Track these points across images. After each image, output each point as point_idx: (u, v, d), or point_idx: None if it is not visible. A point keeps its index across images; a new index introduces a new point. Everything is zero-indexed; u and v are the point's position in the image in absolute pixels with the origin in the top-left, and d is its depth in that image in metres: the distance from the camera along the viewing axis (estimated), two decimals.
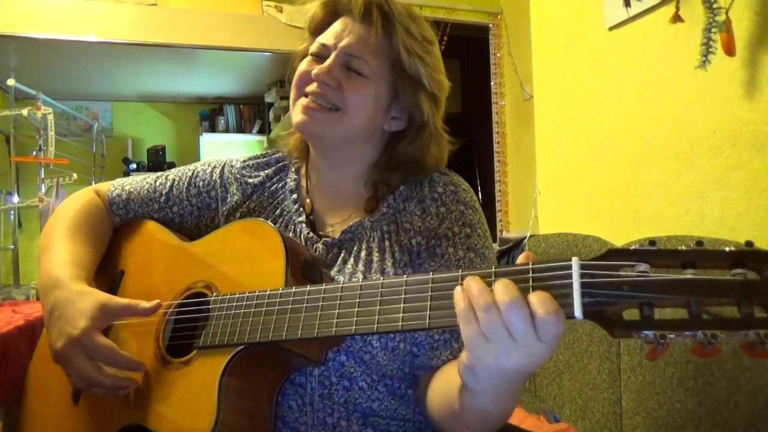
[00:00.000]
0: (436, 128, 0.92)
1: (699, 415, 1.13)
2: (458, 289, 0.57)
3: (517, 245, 1.91)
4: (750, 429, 1.03)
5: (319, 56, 0.88)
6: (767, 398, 1.01)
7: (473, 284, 0.56)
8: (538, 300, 0.53)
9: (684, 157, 1.42)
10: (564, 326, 0.53)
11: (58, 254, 0.87)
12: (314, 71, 0.86)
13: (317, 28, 0.93)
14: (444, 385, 0.74)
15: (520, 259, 0.58)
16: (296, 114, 0.88)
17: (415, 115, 0.90)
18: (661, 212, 1.49)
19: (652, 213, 1.52)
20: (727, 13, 1.22)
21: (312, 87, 0.87)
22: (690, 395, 1.15)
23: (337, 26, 0.89)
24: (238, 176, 0.99)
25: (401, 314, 0.62)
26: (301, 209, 0.93)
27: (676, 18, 1.36)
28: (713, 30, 1.24)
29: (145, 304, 0.79)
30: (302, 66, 0.90)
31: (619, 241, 1.47)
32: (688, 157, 1.41)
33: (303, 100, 0.88)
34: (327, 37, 0.89)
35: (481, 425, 0.69)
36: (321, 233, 0.91)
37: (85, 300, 0.78)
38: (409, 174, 0.91)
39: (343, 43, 0.87)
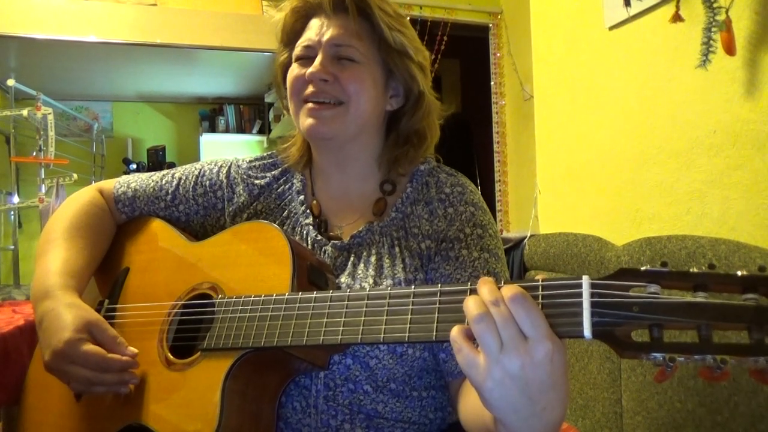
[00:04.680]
0: (431, 96, 0.94)
1: (699, 415, 1.13)
2: (468, 299, 0.55)
3: (518, 245, 1.91)
4: (750, 429, 1.03)
5: (306, 58, 0.88)
6: None
7: (484, 287, 0.55)
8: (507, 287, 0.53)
9: (684, 157, 1.42)
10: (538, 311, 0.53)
11: (52, 261, 0.87)
12: (308, 72, 0.85)
13: (290, 37, 0.93)
14: (478, 402, 0.71)
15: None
16: (303, 121, 0.87)
17: (412, 87, 0.91)
18: (662, 212, 1.49)
19: (652, 212, 1.52)
20: (727, 12, 1.22)
21: (310, 89, 0.86)
22: (690, 395, 1.15)
23: (313, 26, 0.89)
24: (245, 177, 0.99)
25: (408, 325, 0.61)
26: (308, 211, 0.93)
27: (676, 17, 1.36)
28: (713, 29, 1.24)
29: (130, 350, 0.77)
30: (292, 73, 0.89)
31: (619, 241, 1.46)
32: (688, 157, 1.41)
33: (305, 106, 0.87)
34: (308, 38, 0.89)
35: None
36: (330, 235, 0.91)
37: (71, 313, 0.77)
38: (416, 147, 0.93)
39: (327, 36, 0.87)
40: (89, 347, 0.75)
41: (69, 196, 1.01)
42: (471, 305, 0.54)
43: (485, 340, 0.52)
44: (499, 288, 0.54)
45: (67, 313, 0.78)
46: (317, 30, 0.88)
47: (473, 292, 0.57)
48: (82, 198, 0.98)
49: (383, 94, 0.91)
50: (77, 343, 0.74)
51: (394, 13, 0.90)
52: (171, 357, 0.79)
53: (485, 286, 0.55)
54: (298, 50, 0.89)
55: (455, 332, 0.54)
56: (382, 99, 0.91)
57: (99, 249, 0.96)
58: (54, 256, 0.88)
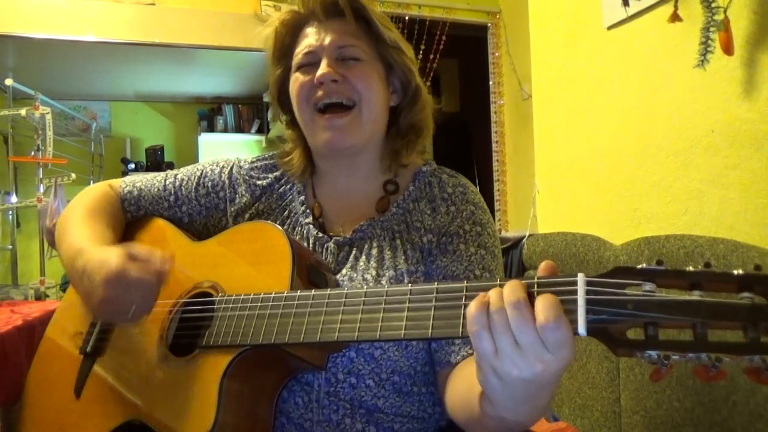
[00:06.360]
0: (425, 91, 0.96)
1: (697, 414, 1.13)
2: (471, 305, 0.55)
3: (516, 245, 1.91)
4: (749, 428, 1.03)
5: (308, 65, 0.89)
6: (766, 397, 1.01)
7: (507, 286, 0.55)
8: (541, 305, 0.52)
9: (682, 156, 1.42)
10: (567, 333, 0.51)
11: (78, 235, 0.87)
12: (317, 75, 0.86)
13: (282, 51, 0.94)
14: (465, 388, 0.72)
15: (542, 267, 0.57)
16: (319, 135, 0.88)
17: (410, 80, 0.93)
18: (660, 211, 1.49)
19: (650, 212, 1.52)
20: (725, 12, 1.22)
21: (320, 92, 0.87)
22: (689, 394, 1.15)
23: (309, 33, 0.90)
24: (247, 177, 1.00)
25: (404, 322, 0.62)
26: (308, 211, 0.94)
27: (675, 17, 1.36)
28: (711, 29, 1.24)
29: (165, 260, 0.78)
30: (297, 81, 0.90)
31: (617, 241, 1.47)
32: (686, 156, 1.41)
33: (319, 121, 0.88)
34: (308, 44, 0.89)
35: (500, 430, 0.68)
36: (331, 233, 0.91)
37: (109, 253, 0.77)
38: (414, 139, 0.95)
39: (328, 40, 0.88)
40: (137, 247, 0.77)
41: (81, 191, 1.02)
42: (493, 302, 0.54)
43: (498, 340, 0.53)
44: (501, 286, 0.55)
45: (106, 253, 0.77)
46: (315, 36, 0.89)
47: (469, 290, 0.58)
48: (95, 190, 1.01)
49: (386, 89, 0.93)
50: (127, 268, 0.74)
51: (380, 12, 0.93)
52: (170, 354, 0.79)
53: (508, 286, 0.54)
54: (298, 58, 0.90)
55: (473, 313, 0.54)
56: (387, 95, 0.93)
57: (116, 234, 0.96)
58: (79, 232, 0.88)
